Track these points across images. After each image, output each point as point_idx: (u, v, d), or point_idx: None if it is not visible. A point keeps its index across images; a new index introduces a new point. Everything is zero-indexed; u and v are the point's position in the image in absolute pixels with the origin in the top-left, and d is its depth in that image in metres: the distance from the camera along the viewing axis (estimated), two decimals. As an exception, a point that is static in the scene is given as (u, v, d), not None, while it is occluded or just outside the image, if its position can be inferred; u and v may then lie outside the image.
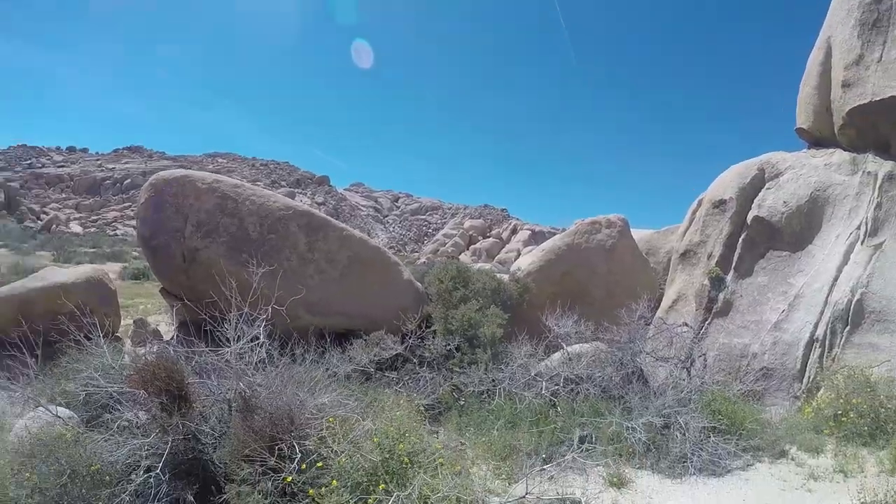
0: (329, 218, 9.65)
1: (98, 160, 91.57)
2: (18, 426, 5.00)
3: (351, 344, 7.27)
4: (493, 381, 7.31)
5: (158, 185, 8.96)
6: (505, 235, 68.05)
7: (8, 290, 8.90)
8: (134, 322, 9.73)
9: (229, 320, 5.02)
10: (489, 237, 69.34)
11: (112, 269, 18.42)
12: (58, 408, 5.06)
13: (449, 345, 7.90)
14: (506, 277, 10.47)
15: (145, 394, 4.48)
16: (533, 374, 7.48)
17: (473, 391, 7.10)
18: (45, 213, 60.08)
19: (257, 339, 5.20)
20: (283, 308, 5.62)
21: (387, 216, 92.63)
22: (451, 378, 7.37)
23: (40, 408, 4.99)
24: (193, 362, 5.15)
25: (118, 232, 56.44)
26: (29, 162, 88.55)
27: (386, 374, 7.22)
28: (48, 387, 5.55)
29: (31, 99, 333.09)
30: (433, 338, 8.09)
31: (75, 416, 5.09)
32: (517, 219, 79.47)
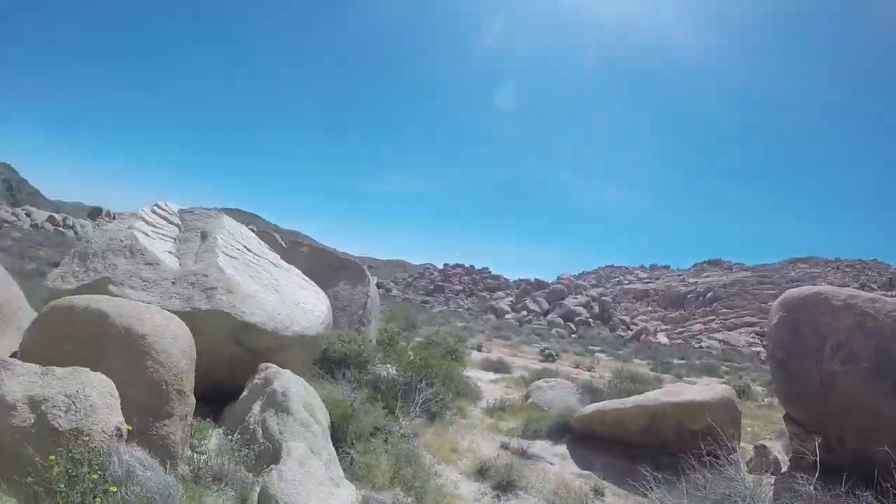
0: None
1: (680, 275, 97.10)
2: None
3: None
4: None
5: (790, 303, 8.49)
6: None
7: (643, 399, 9.34)
8: (755, 448, 9.38)
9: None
10: None
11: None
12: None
13: None
14: None
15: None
16: None
17: None
18: (634, 323, 64.08)
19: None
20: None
21: None
22: None
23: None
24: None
25: (703, 344, 57.21)
26: (617, 279, 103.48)
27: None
28: (673, 495, 5.56)
29: (615, 228, 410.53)
30: None
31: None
32: None
